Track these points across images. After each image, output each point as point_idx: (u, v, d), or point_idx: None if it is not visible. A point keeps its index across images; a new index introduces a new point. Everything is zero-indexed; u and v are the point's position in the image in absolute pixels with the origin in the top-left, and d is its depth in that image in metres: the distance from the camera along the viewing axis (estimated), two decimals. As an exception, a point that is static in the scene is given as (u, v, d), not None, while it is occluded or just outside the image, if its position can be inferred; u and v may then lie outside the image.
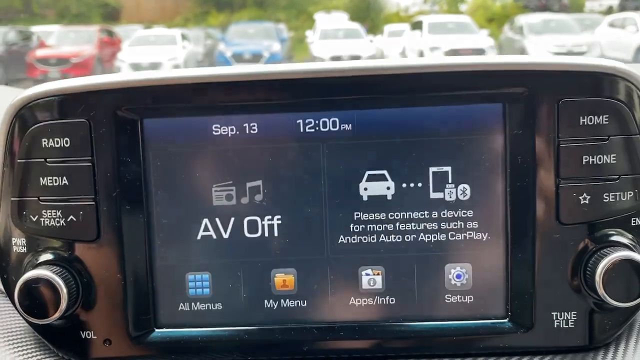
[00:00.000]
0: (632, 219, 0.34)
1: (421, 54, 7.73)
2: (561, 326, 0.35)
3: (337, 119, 0.35)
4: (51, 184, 0.35)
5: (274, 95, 0.35)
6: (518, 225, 0.35)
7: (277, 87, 0.34)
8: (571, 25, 7.83)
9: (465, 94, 0.34)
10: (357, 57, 7.95)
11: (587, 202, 0.34)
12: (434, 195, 0.35)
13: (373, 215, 0.35)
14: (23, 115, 0.35)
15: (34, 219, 0.35)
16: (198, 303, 0.36)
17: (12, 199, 0.35)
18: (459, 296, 0.36)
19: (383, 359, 0.36)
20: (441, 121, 0.35)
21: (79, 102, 0.35)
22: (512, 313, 0.35)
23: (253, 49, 7.94)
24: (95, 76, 0.35)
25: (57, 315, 0.34)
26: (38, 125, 0.35)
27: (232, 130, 0.35)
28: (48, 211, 0.35)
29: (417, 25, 8.19)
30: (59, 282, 0.34)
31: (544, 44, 7.32)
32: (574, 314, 0.35)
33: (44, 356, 0.37)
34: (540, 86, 0.33)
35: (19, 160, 0.35)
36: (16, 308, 0.36)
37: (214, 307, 0.36)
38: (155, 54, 7.54)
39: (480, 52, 7.58)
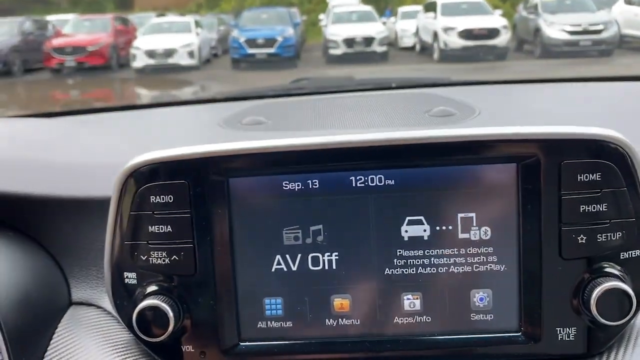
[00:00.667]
0: (621, 253, 0.43)
1: (435, 36, 7.72)
2: (564, 339, 0.43)
3: (382, 176, 0.44)
4: (158, 231, 0.44)
5: (332, 158, 0.43)
6: (528, 260, 0.43)
7: (334, 152, 0.43)
8: (587, 4, 7.73)
9: (486, 156, 0.43)
10: (370, 39, 7.99)
11: (584, 241, 0.42)
12: (461, 235, 0.44)
13: (412, 252, 0.44)
14: (134, 177, 0.44)
15: (144, 258, 0.45)
16: (273, 321, 0.46)
17: (126, 242, 0.45)
18: (481, 315, 0.45)
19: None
20: (467, 177, 0.43)
21: (179, 167, 0.44)
22: (524, 328, 0.44)
23: (266, 33, 7.97)
24: (189, 147, 0.44)
25: (165, 335, 0.43)
26: (147, 185, 0.44)
27: (298, 185, 0.44)
28: (155, 252, 0.44)
29: (430, 7, 8.14)
30: (167, 308, 0.43)
31: (559, 23, 7.27)
32: (574, 329, 0.43)
33: (149, 364, 0.47)
34: (547, 150, 0.42)
35: (131, 213, 0.44)
36: (130, 329, 0.45)
37: (286, 324, 0.46)
38: (170, 41, 7.61)
39: (494, 32, 7.56)
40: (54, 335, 0.50)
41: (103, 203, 0.52)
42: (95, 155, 0.63)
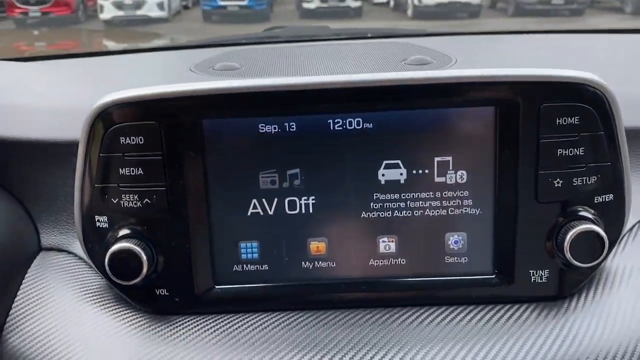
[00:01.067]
0: (595, 197, 0.43)
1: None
2: (537, 281, 0.44)
3: (360, 119, 0.43)
4: (129, 174, 0.43)
5: (310, 100, 0.42)
6: (504, 203, 0.43)
7: (312, 94, 0.42)
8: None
9: (465, 99, 0.42)
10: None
11: (560, 185, 0.42)
12: (438, 179, 0.44)
13: (389, 196, 0.44)
14: (102, 118, 0.42)
15: (115, 202, 0.43)
16: (249, 265, 0.45)
17: (96, 185, 0.43)
18: (455, 257, 0.45)
19: (395, 307, 0.45)
20: (444, 120, 0.43)
21: (149, 108, 0.42)
22: (498, 271, 0.45)
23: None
24: (160, 86, 0.42)
25: (139, 278, 0.43)
26: (116, 126, 0.42)
27: (275, 128, 0.43)
28: (126, 195, 0.43)
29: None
30: (140, 251, 0.42)
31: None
32: (547, 271, 0.44)
33: (123, 309, 0.46)
34: (526, 94, 0.41)
35: (100, 155, 0.43)
36: (103, 273, 0.44)
37: (262, 267, 0.45)
38: (139, -9, 7.36)
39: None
40: (24, 281, 0.49)
41: (71, 146, 0.50)
42: (61, 99, 0.61)
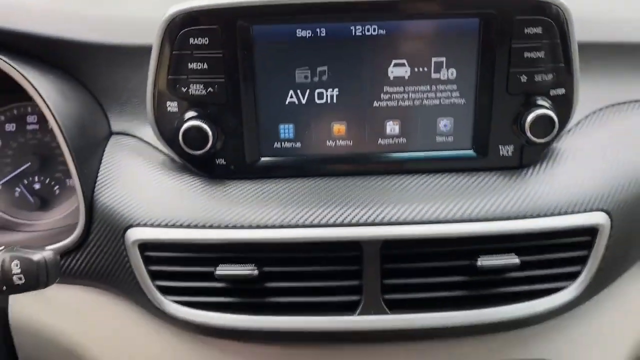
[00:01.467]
0: (551, 90, 0.57)
1: None
2: (504, 155, 0.59)
3: (376, 26, 0.55)
4: (196, 68, 0.55)
5: (336, 10, 0.54)
6: (483, 95, 0.57)
7: (338, 6, 0.54)
8: None
9: (456, 12, 0.55)
10: None
11: (525, 80, 0.56)
12: (434, 75, 0.57)
13: (395, 89, 0.57)
14: (175, 23, 0.54)
15: (184, 90, 0.56)
16: (286, 142, 0.59)
17: (169, 77, 0.55)
18: (444, 137, 0.59)
19: (398, 173, 0.60)
20: (440, 28, 0.55)
21: (212, 15, 0.54)
22: (475, 147, 0.59)
23: None
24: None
25: (204, 150, 0.56)
26: (186, 29, 0.54)
27: (308, 32, 0.55)
28: (193, 85, 0.55)
29: None
30: (207, 129, 0.55)
31: None
32: (512, 147, 0.58)
33: (185, 176, 0.60)
34: (504, 8, 0.54)
35: (173, 52, 0.55)
36: (172, 146, 0.57)
37: (296, 145, 0.59)
38: None
39: None
40: (103, 157, 0.61)
41: (136, 49, 0.62)
42: (129, 9, 0.70)
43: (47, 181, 0.70)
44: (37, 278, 0.46)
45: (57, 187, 0.70)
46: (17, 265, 0.46)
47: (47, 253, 0.48)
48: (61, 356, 0.63)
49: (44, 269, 0.47)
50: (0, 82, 0.57)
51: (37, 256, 0.47)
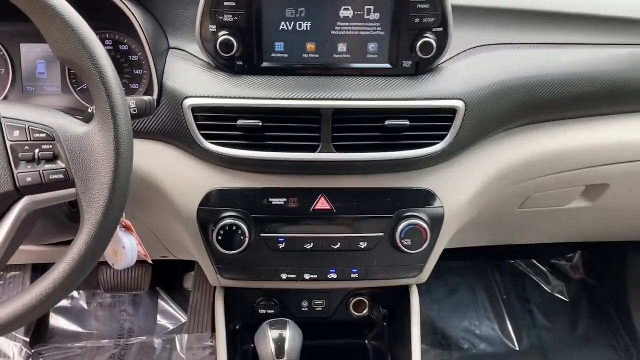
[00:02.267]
0: (433, 28, 0.97)
1: None
2: (406, 66, 0.98)
3: (333, -14, 0.95)
4: (227, 4, 0.94)
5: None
6: (394, 29, 0.97)
7: None
8: None
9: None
10: None
11: (417, 21, 0.95)
12: (365, 16, 0.96)
13: (344, 23, 0.96)
14: (217, -22, 0.93)
15: (220, 18, 0.95)
16: (278, 53, 0.98)
17: (211, 9, 0.95)
18: (371, 54, 0.99)
19: (345, 75, 1.00)
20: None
21: None
22: (390, 60, 0.99)
23: None
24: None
25: (232, 53, 0.95)
26: (224, -18, 0.93)
27: (294, -12, 0.95)
28: (226, 14, 0.95)
29: None
30: (233, 41, 0.95)
31: None
32: (410, 61, 0.98)
33: (220, 73, 0.99)
34: None
35: (215, -5, 0.94)
36: (212, 54, 0.97)
37: (284, 55, 0.98)
38: None
39: None
40: (166, 59, 1.01)
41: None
42: None
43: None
44: (144, 110, 0.86)
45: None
46: (132, 102, 0.85)
47: (147, 98, 0.87)
48: (146, 186, 1.02)
49: (146, 104, 0.86)
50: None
51: (144, 98, 0.86)
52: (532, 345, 1.83)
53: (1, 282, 1.78)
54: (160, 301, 1.88)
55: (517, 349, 1.82)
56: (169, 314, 1.86)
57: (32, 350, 1.72)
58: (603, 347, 1.82)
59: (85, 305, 1.86)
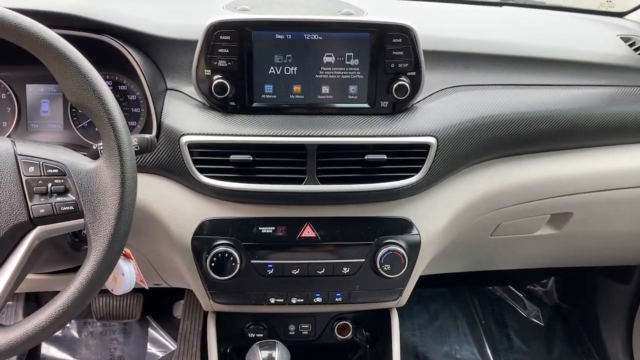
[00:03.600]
0: (408, 72, 1.08)
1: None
2: (384, 106, 1.09)
3: (316, 35, 1.06)
4: (222, 52, 1.03)
5: (297, 26, 1.05)
6: (372, 74, 1.07)
7: (298, 23, 1.05)
8: None
9: (358, 29, 1.05)
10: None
11: (393, 66, 1.06)
12: (346, 62, 1.06)
13: (327, 68, 1.06)
14: (212, 27, 1.03)
15: (214, 63, 1.04)
16: (267, 95, 1.08)
17: (207, 56, 1.04)
18: (352, 96, 1.08)
19: (328, 114, 1.10)
20: (350, 37, 1.05)
21: (231, 24, 1.03)
22: (369, 101, 1.08)
23: None
24: (233, 16, 1.03)
25: (225, 95, 1.05)
26: (217, 31, 1.03)
27: (282, 36, 1.05)
28: (220, 61, 1.04)
29: None
30: (226, 84, 1.04)
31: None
32: (387, 102, 1.08)
33: (212, 113, 1.09)
34: (382, 28, 1.05)
35: (210, 43, 1.04)
36: (208, 97, 1.06)
37: (273, 96, 1.08)
38: None
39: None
40: (164, 100, 1.10)
41: (188, 41, 1.11)
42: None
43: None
44: (146, 147, 0.95)
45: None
46: (135, 140, 0.94)
47: (148, 136, 0.96)
48: (144, 217, 1.10)
49: (148, 142, 0.95)
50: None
51: (146, 137, 0.95)
52: (510, 368, 1.90)
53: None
54: (150, 330, 1.93)
55: (496, 372, 1.89)
56: (159, 342, 1.91)
57: (24, 379, 1.76)
58: (577, 369, 1.90)
59: (76, 334, 1.90)
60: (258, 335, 1.30)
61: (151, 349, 1.89)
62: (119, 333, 1.92)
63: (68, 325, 1.92)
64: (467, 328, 1.99)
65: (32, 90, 1.18)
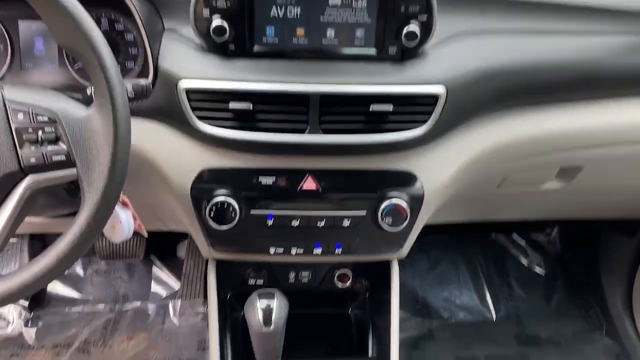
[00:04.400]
0: (419, 16, 1.01)
1: None
2: (392, 53, 1.03)
3: (322, -26, 0.99)
4: None
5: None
6: (381, 17, 1.01)
7: None
8: None
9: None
10: None
11: (403, 10, 0.99)
12: (353, 4, 1.00)
13: (333, 10, 1.00)
14: (211, -36, 0.97)
15: (213, 3, 0.99)
16: (269, 38, 1.02)
17: (206, -5, 0.98)
18: (359, 40, 1.03)
19: (333, 59, 1.04)
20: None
21: None
22: (376, 47, 1.03)
23: None
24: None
25: (224, 38, 0.99)
26: (217, -31, 0.97)
27: (285, -25, 0.99)
28: (219, 0, 0.98)
29: None
30: (225, 26, 0.99)
31: None
32: (396, 47, 1.02)
33: (212, 55, 1.04)
34: None
35: (209, -19, 0.98)
36: (204, 36, 1.01)
37: (275, 39, 1.02)
38: None
39: None
40: (162, 40, 1.04)
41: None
42: None
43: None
44: (141, 93, 0.91)
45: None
46: (130, 86, 0.90)
47: (143, 82, 0.92)
48: (142, 163, 1.07)
49: (143, 88, 0.91)
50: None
51: (140, 82, 0.91)
52: (509, 314, 1.92)
53: (-1, 249, 1.84)
54: (154, 269, 1.95)
55: (495, 318, 1.91)
56: (162, 281, 1.93)
57: (31, 315, 1.79)
58: (575, 318, 1.92)
59: (81, 272, 1.93)
60: (258, 281, 1.30)
61: (155, 288, 1.92)
62: (123, 271, 1.95)
63: (73, 263, 1.94)
64: (467, 275, 2.00)
65: (25, 27, 1.13)
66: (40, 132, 0.79)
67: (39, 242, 1.86)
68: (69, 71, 1.12)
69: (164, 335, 1.77)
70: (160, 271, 1.94)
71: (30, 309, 1.80)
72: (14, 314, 1.76)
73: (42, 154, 0.79)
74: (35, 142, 0.79)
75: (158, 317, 1.83)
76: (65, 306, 1.84)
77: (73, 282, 1.90)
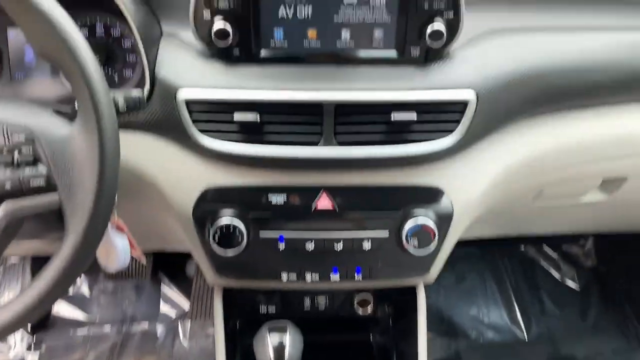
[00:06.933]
0: (444, 13, 0.90)
1: None
2: (415, 55, 0.93)
3: (336, -32, 0.88)
4: (223, -10, 0.88)
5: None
6: (402, 15, 0.90)
7: None
8: None
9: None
10: None
11: (427, 7, 0.89)
12: (371, 3, 0.90)
13: (348, 10, 0.90)
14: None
15: (215, 5, 0.88)
16: (277, 41, 0.92)
17: (206, -5, 0.88)
18: (377, 42, 0.92)
19: (349, 63, 0.94)
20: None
21: None
22: (397, 49, 0.92)
23: None
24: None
25: (228, 42, 0.89)
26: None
27: (294, -29, 0.88)
28: (221, 1, 0.88)
29: None
30: (228, 29, 0.88)
31: None
32: (419, 49, 0.92)
33: (214, 61, 0.93)
34: None
35: (209, -21, 0.87)
36: (206, 39, 0.90)
37: (284, 43, 0.92)
38: None
39: None
40: (159, 47, 0.94)
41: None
42: None
43: (108, 72, 1.03)
44: (134, 106, 0.81)
45: (116, 76, 1.03)
46: (121, 98, 0.80)
47: (135, 93, 0.82)
48: (139, 182, 0.97)
49: (136, 100, 0.81)
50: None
51: (132, 94, 0.81)
52: (541, 333, 1.79)
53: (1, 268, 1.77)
54: (163, 287, 1.86)
55: (526, 337, 1.78)
56: (171, 300, 1.84)
57: (34, 338, 1.70)
58: (613, 335, 1.78)
59: (87, 292, 1.84)
60: (270, 307, 1.19)
61: (164, 307, 1.82)
62: (130, 290, 1.85)
63: (79, 282, 1.85)
64: (496, 290, 1.87)
65: (15, 35, 1.04)
66: (16, 153, 0.69)
67: (43, 262, 1.77)
68: (61, 83, 1.03)
69: (173, 359, 1.67)
70: (169, 290, 1.85)
71: (33, 331, 1.71)
72: (15, 338, 1.67)
73: (19, 178, 0.69)
74: (10, 164, 0.70)
75: (167, 339, 1.73)
76: (70, 328, 1.75)
77: (78, 302, 1.81)
